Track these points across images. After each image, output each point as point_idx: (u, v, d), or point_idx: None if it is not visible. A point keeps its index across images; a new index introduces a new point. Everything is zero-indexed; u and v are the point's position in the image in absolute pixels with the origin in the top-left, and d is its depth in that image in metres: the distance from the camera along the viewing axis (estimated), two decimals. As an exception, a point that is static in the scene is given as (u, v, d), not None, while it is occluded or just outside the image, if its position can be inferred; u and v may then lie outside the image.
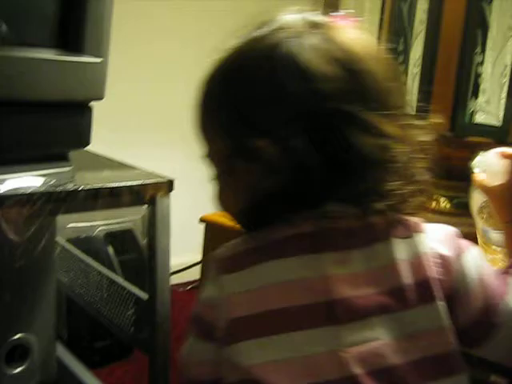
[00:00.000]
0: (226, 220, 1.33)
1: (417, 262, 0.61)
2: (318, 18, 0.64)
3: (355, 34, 0.64)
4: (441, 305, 0.60)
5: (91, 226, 1.59)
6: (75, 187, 0.90)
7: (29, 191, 0.84)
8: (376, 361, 0.57)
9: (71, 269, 1.30)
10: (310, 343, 0.57)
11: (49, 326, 1.22)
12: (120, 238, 1.61)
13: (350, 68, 0.59)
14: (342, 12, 0.67)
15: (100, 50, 0.97)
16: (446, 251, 0.63)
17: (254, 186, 0.62)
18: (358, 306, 0.58)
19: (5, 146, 0.90)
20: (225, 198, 0.68)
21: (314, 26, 0.63)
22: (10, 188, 0.84)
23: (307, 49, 0.59)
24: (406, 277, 0.60)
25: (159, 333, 1.02)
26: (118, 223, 1.67)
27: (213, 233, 1.29)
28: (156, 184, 0.98)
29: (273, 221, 0.62)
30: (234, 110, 0.62)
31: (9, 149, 0.91)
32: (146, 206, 0.99)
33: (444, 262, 0.62)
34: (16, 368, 1.17)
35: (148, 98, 2.03)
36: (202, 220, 1.35)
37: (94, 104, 1.00)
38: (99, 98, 0.99)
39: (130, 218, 1.69)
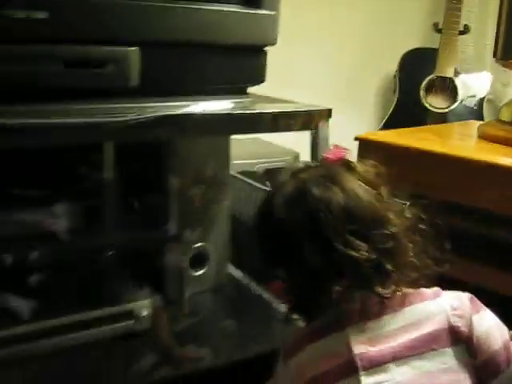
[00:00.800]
0: (376, 137, 1.54)
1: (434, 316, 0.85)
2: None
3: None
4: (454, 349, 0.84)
5: (251, 163, 1.88)
6: (257, 111, 1.14)
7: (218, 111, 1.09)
8: None
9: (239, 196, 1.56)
10: None
11: (223, 239, 1.48)
12: (275, 174, 1.87)
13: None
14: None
15: (273, 4, 1.20)
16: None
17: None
18: (373, 357, 0.82)
19: (199, 80, 1.16)
20: None
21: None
22: (203, 108, 1.08)
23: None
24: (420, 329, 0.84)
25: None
26: (273, 162, 1.95)
27: (365, 149, 1.50)
28: (319, 111, 1.21)
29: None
30: None
31: (201, 82, 1.17)
32: (310, 131, 1.21)
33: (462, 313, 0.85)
34: (197, 271, 1.44)
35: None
36: (356, 138, 1.57)
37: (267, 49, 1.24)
38: (272, 43, 1.22)
39: (283, 158, 1.98)
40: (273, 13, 1.21)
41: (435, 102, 2.35)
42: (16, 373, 1.08)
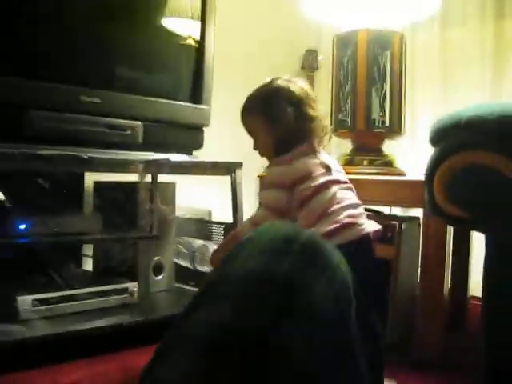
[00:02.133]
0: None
1: None
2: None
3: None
4: None
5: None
6: (197, 160, 1.96)
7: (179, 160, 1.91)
8: None
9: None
10: None
11: (171, 257, 2.25)
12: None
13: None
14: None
15: (208, 102, 2.06)
16: None
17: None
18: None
19: (169, 143, 1.97)
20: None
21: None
22: (171, 158, 1.90)
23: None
24: None
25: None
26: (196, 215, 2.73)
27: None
28: (235, 163, 2.05)
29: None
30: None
31: (169, 144, 1.98)
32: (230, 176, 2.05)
33: None
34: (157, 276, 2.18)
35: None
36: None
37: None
38: (207, 125, 2.07)
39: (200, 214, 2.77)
40: (207, 107, 2.07)
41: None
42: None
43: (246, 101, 1.52)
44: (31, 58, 1.64)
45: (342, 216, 1.33)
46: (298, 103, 1.45)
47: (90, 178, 2.29)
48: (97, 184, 2.23)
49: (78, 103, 1.70)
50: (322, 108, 1.52)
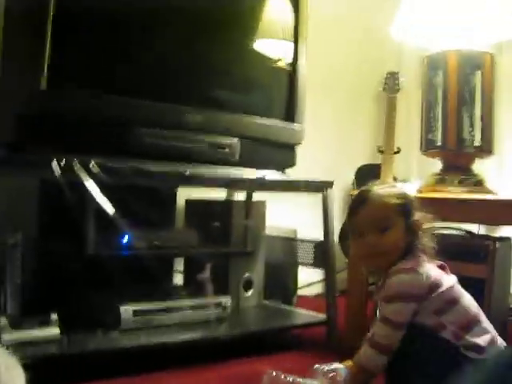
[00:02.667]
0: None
1: None
2: None
3: None
4: None
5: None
6: (291, 179, 2.00)
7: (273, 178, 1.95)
8: None
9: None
10: None
11: (261, 274, 2.29)
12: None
13: None
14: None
15: (301, 120, 2.10)
16: None
17: None
18: None
19: (263, 161, 2.02)
20: None
21: None
22: (266, 176, 1.95)
23: None
24: None
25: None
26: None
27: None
28: (325, 182, 2.09)
29: None
30: None
31: (264, 163, 2.03)
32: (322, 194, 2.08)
33: None
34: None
35: None
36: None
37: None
38: (300, 143, 2.11)
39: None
40: (300, 125, 2.11)
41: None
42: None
43: (381, 191, 1.43)
44: (139, 77, 1.74)
45: (486, 324, 1.33)
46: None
47: (181, 196, 2.36)
48: (189, 202, 2.30)
49: (181, 121, 1.77)
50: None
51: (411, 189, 2.32)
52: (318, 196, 2.12)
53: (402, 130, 3.41)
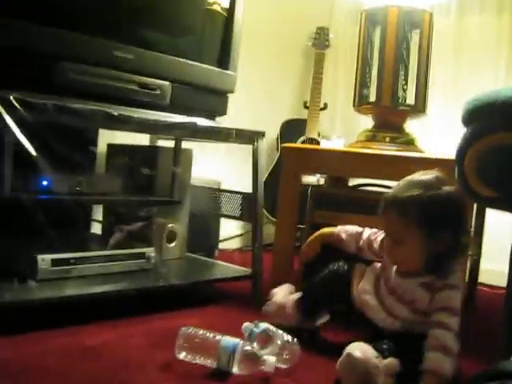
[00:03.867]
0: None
1: None
2: None
3: None
4: None
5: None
6: (222, 126, 1.92)
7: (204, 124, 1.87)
8: None
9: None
10: None
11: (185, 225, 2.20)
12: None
13: None
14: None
15: (234, 67, 2.01)
16: None
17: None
18: None
19: (194, 106, 1.92)
20: None
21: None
22: (196, 122, 1.85)
23: None
24: None
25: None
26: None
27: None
28: (257, 132, 2.01)
29: None
30: None
31: (195, 108, 1.93)
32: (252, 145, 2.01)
33: None
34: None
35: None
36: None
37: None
38: (232, 91, 2.03)
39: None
40: (233, 73, 2.02)
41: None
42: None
43: (404, 198, 1.32)
44: (65, 7, 1.59)
45: None
46: (463, 216, 1.36)
47: (103, 141, 2.23)
48: (112, 146, 2.18)
49: (111, 58, 1.64)
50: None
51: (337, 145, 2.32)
52: (245, 148, 2.06)
53: (328, 87, 3.41)
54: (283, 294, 1.66)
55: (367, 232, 1.56)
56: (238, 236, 3.14)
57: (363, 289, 1.50)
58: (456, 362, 1.30)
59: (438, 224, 1.31)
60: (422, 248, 1.33)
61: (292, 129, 3.24)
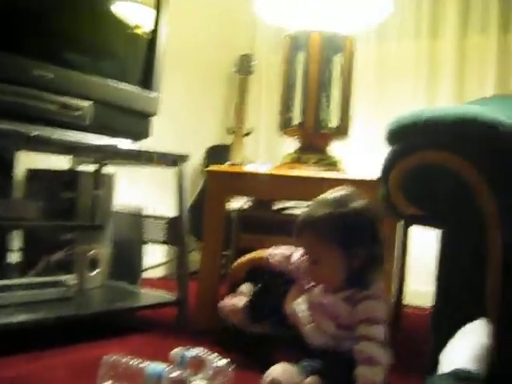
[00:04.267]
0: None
1: None
2: None
3: None
4: None
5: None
6: (143, 149, 1.88)
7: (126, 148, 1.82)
8: None
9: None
10: None
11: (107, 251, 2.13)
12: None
13: None
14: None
15: (158, 89, 1.98)
16: None
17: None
18: None
19: (115, 128, 1.88)
20: None
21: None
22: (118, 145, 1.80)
23: None
24: None
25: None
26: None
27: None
28: (181, 155, 1.98)
29: None
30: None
31: (116, 130, 1.88)
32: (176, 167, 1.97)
33: None
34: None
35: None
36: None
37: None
38: (155, 114, 1.99)
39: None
40: (157, 94, 1.99)
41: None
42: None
43: (316, 218, 1.33)
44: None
45: None
46: (375, 228, 1.36)
47: (21, 165, 2.14)
48: (31, 171, 2.09)
49: (30, 76, 1.58)
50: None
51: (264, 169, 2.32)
52: (168, 172, 2.03)
53: (252, 113, 3.42)
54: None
55: (296, 256, 1.54)
56: (163, 264, 3.07)
57: (297, 304, 1.48)
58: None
59: (352, 240, 1.32)
60: (339, 264, 1.33)
61: (217, 155, 3.22)
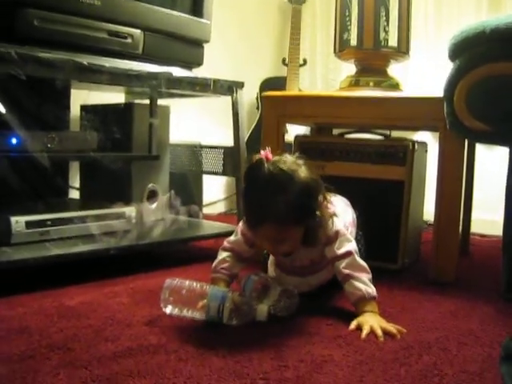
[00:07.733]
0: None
1: None
2: None
3: None
4: None
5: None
6: (200, 77, 1.83)
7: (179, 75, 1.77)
8: None
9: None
10: None
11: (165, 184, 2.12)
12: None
13: None
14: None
15: (209, 16, 1.92)
16: None
17: None
18: None
19: (169, 55, 1.83)
20: None
21: None
22: (171, 72, 1.76)
23: None
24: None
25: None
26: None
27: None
28: (236, 82, 1.93)
29: None
30: None
31: (170, 57, 1.84)
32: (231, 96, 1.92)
33: None
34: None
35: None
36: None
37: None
38: (207, 41, 1.93)
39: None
40: (208, 22, 1.93)
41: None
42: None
43: (274, 209, 1.28)
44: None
45: None
46: (319, 192, 1.36)
47: (76, 102, 2.13)
48: (86, 107, 2.08)
49: (76, 4, 1.54)
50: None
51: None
52: (224, 102, 1.99)
53: (307, 42, 3.32)
54: None
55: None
56: (219, 201, 3.07)
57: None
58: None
59: (306, 214, 1.33)
60: (299, 237, 1.37)
61: (272, 87, 3.14)
